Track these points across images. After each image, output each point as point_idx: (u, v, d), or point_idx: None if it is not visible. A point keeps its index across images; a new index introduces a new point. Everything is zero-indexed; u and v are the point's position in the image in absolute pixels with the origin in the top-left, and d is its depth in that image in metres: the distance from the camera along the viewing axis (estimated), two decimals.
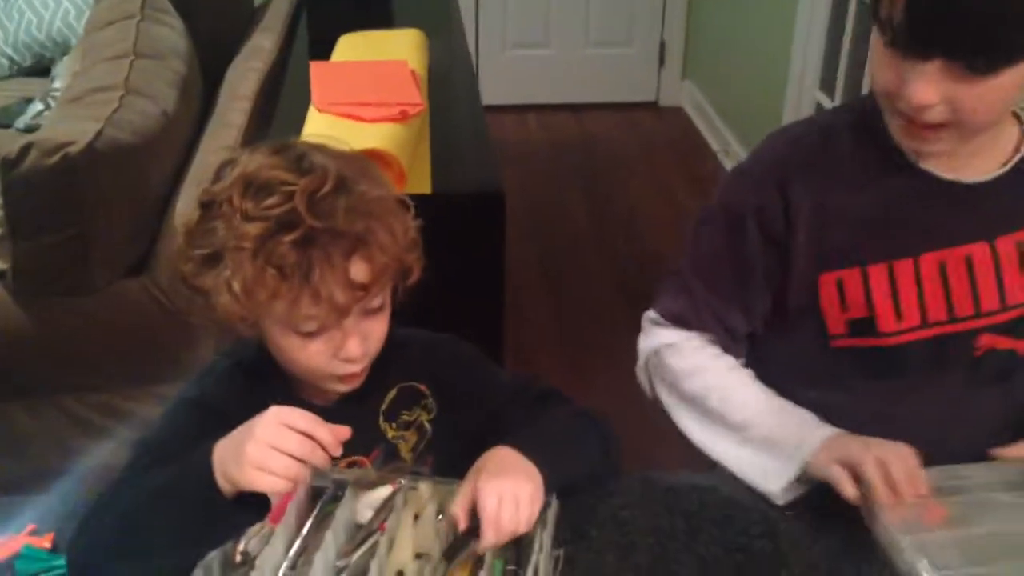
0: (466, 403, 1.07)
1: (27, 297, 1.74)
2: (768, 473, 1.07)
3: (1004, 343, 1.10)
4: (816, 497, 1.05)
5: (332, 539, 0.89)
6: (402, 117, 1.87)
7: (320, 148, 0.96)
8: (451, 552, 0.90)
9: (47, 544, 0.99)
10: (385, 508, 0.94)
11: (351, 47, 2.34)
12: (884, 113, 1.03)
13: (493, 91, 3.78)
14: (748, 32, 3.58)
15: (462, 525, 0.90)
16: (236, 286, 0.89)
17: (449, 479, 0.96)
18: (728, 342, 1.17)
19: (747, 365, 1.18)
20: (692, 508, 1.05)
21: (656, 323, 1.20)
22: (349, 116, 1.88)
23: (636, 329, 1.24)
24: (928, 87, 0.93)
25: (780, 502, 1.07)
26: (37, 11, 2.92)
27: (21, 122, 2.59)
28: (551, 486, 0.94)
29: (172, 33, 2.24)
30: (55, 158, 1.58)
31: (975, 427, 1.11)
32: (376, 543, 0.90)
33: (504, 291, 1.89)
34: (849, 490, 1.00)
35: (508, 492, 0.89)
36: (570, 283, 3.04)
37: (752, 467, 1.09)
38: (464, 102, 2.26)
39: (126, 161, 1.72)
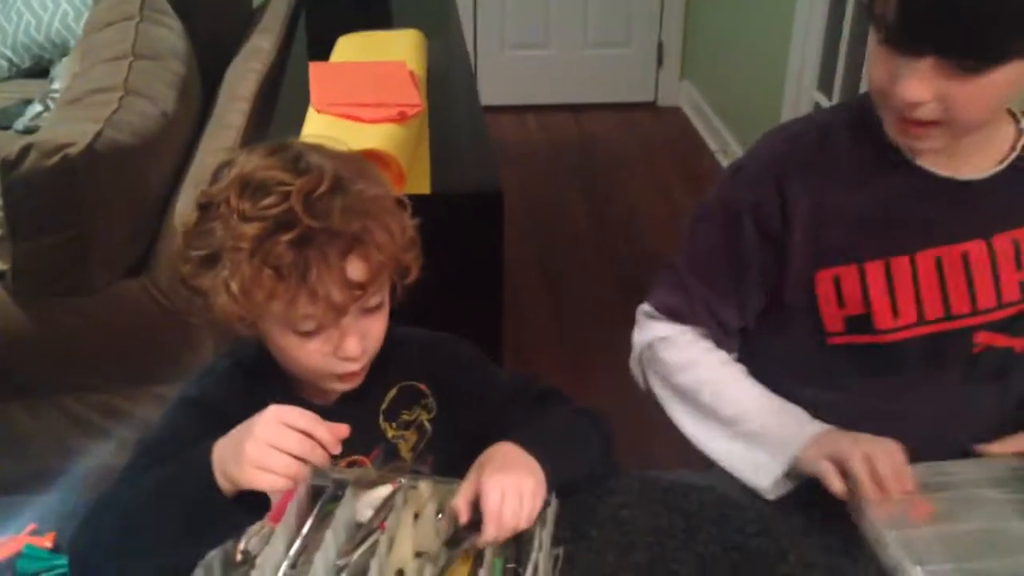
0: (466, 402, 1.07)
1: (27, 297, 1.75)
2: (758, 467, 1.08)
3: (1001, 340, 1.10)
4: (805, 493, 1.05)
5: (332, 538, 0.89)
6: (401, 118, 1.87)
7: (317, 148, 0.96)
8: (452, 544, 0.90)
9: (48, 544, 0.99)
10: (385, 507, 0.94)
11: (350, 48, 2.34)
12: (878, 110, 1.04)
13: (492, 91, 3.78)
14: (746, 32, 3.58)
15: (464, 518, 0.90)
16: (234, 286, 0.89)
17: (449, 478, 0.96)
18: (721, 336, 1.18)
19: (743, 362, 1.18)
20: (691, 507, 1.06)
21: (650, 316, 1.21)
22: (348, 117, 1.88)
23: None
24: (920, 84, 0.94)
25: (771, 497, 1.07)
26: (36, 12, 2.92)
27: (20, 123, 2.59)
28: (552, 483, 0.94)
29: (171, 34, 2.24)
30: (55, 159, 1.59)
31: (972, 424, 1.12)
32: (376, 542, 0.90)
33: (503, 291, 1.89)
34: (837, 485, 1.00)
35: (511, 487, 0.89)
36: (570, 283, 3.04)
37: (743, 461, 1.09)
38: (463, 102, 2.27)
39: (125, 162, 1.72)
